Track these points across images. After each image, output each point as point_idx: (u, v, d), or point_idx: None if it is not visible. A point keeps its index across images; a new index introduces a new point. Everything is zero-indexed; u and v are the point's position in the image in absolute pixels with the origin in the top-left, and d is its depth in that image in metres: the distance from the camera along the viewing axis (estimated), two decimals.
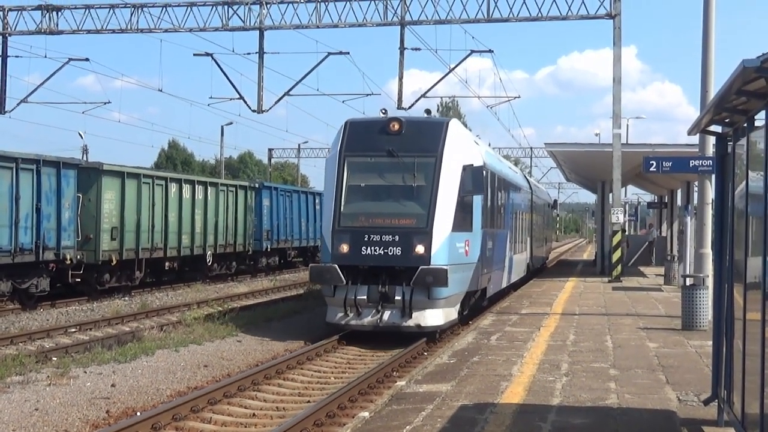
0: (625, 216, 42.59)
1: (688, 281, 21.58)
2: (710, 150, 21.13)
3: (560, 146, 42.41)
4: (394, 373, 17.38)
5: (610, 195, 40.04)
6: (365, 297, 20.78)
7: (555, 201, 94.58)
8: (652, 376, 14.71)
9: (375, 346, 21.04)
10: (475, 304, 24.95)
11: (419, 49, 43.48)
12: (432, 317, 20.85)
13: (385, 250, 20.78)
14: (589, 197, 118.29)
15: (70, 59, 45.13)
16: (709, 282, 20.08)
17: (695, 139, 23.16)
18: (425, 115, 24.09)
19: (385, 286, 20.72)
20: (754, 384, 8.03)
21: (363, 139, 22.21)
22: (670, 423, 11.45)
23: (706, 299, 20.15)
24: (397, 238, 20.84)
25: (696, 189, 27.24)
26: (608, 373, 14.97)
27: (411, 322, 20.67)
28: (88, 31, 41.57)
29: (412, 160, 21.57)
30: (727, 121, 10.39)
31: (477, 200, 22.68)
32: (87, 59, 45.45)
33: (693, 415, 11.75)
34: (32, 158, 27.53)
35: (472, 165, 22.05)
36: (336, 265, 20.76)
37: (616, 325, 21.65)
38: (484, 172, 23.17)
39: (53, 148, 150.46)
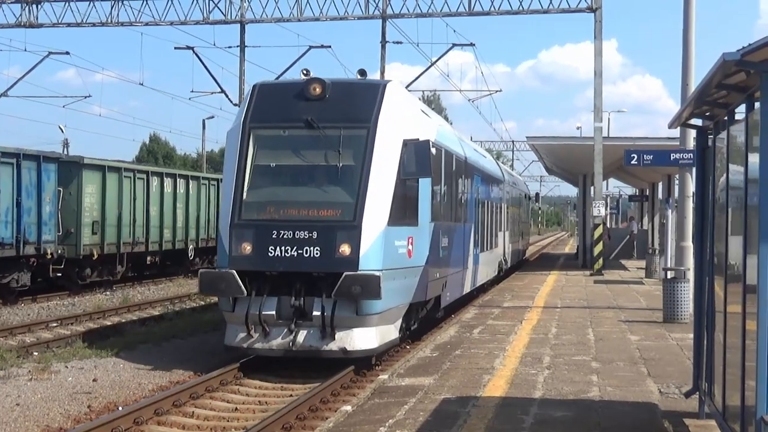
0: (606, 209, 42.70)
1: (669, 274, 21.69)
2: (691, 143, 21.23)
3: (542, 140, 42.48)
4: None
5: (592, 188, 40.17)
6: (274, 312, 16.03)
7: (537, 194, 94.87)
8: (633, 369, 14.77)
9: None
10: (427, 316, 20.38)
11: (401, 43, 43.86)
12: (362, 339, 16.03)
13: (300, 251, 15.98)
14: (570, 190, 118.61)
15: (50, 53, 45.01)
16: (690, 275, 20.17)
17: (676, 132, 23.29)
18: (358, 77, 18.59)
19: (300, 298, 16.03)
20: (735, 376, 8.08)
21: (275, 106, 17.38)
22: (651, 415, 11.51)
23: (687, 292, 20.25)
24: (315, 234, 16.02)
25: (677, 182, 27.35)
26: (590, 366, 15.02)
27: (334, 345, 15.89)
28: (68, 25, 41.40)
29: (337, 133, 16.71)
30: (707, 114, 10.43)
31: (424, 186, 17.82)
32: (67, 53, 45.46)
33: (674, 408, 11.80)
34: (12, 152, 27.39)
35: (417, 140, 17.10)
36: (234, 271, 15.98)
37: (597, 318, 21.72)
38: (435, 150, 18.58)
39: (34, 141, 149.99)
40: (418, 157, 16.92)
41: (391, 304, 16.47)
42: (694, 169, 19.20)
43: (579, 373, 14.33)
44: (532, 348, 16.86)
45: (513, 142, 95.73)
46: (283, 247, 16.04)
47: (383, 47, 42.83)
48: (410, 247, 17.21)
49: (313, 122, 16.76)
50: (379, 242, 16.10)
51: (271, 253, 16.10)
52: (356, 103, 17.13)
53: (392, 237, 16.47)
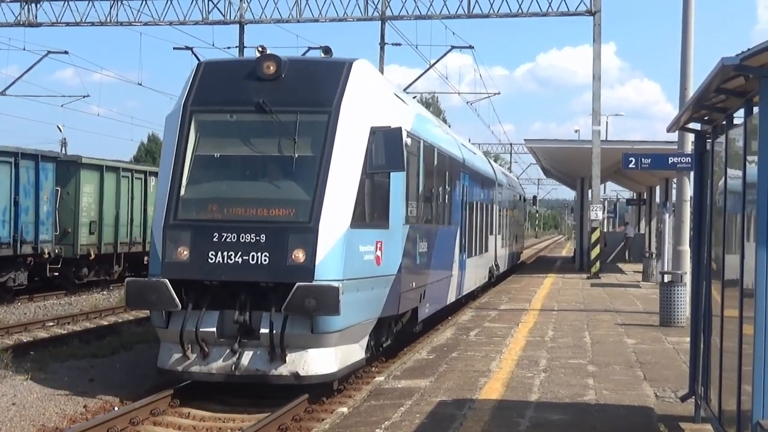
0: (604, 213, 42.70)
1: (666, 278, 21.70)
2: (689, 147, 21.24)
3: (540, 142, 42.49)
4: None
5: (589, 191, 40.16)
6: (214, 329, 13.68)
7: (534, 197, 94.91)
8: (629, 373, 14.77)
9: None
10: (403, 330, 17.98)
11: (399, 45, 43.86)
12: (318, 361, 13.61)
13: (246, 257, 13.61)
14: (568, 194, 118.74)
15: (49, 52, 44.95)
16: (687, 279, 20.18)
17: (674, 136, 23.30)
18: (322, 55, 16.45)
19: (245, 313, 13.68)
20: (732, 381, 8.07)
21: (221, 87, 15.07)
22: (647, 419, 11.50)
23: (684, 296, 20.27)
24: (263, 238, 13.61)
25: (674, 186, 27.37)
26: (586, 369, 15.01)
27: (284, 369, 13.50)
28: (67, 24, 41.32)
29: (293, 118, 14.34)
30: (706, 118, 10.43)
31: (396, 182, 15.50)
32: (66, 52, 45.28)
33: (670, 411, 11.80)
34: (11, 151, 27.39)
35: (389, 128, 14.73)
36: (166, 281, 13.53)
37: (594, 322, 21.71)
38: (411, 140, 16.42)
39: (32, 141, 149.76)
40: (388, 148, 14.56)
41: (355, 319, 14.11)
42: (691, 173, 19.22)
43: (575, 376, 14.31)
44: (529, 351, 16.85)
45: (511, 144, 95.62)
46: (226, 253, 13.64)
47: (382, 49, 42.80)
48: (378, 252, 14.86)
49: (265, 106, 14.37)
50: (339, 247, 13.66)
51: (212, 259, 13.68)
52: (316, 84, 14.78)
53: (356, 241, 14.08)
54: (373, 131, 14.53)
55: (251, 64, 14.93)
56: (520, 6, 38.24)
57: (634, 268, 42.64)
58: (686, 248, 22.33)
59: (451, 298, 23.18)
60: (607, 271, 40.26)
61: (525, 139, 45.81)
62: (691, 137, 19.08)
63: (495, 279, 34.40)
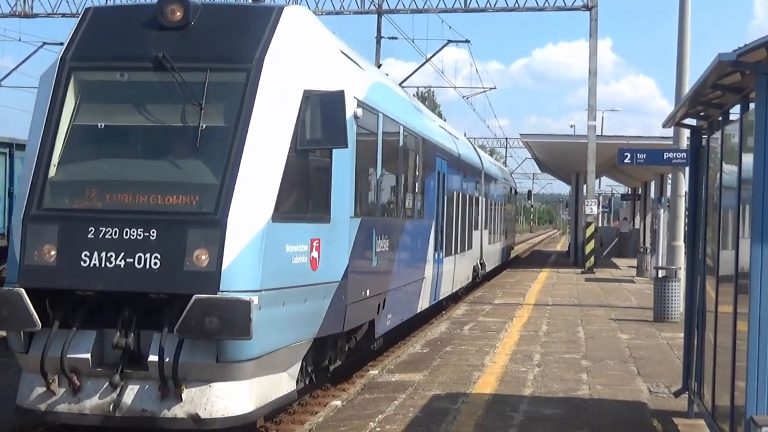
0: (598, 208, 42.73)
1: (661, 273, 21.71)
2: (684, 143, 21.23)
3: (535, 137, 42.58)
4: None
5: (585, 186, 40.21)
6: (88, 356, 10.27)
7: (529, 192, 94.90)
8: (623, 368, 14.78)
9: None
10: (357, 347, 14.76)
11: (396, 38, 43.67)
12: (226, 400, 10.25)
13: (131, 260, 10.17)
14: (563, 188, 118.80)
15: (45, 43, 44.89)
16: (681, 274, 20.20)
17: (669, 132, 23.32)
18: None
19: (130, 335, 10.29)
20: (725, 377, 8.08)
21: (111, 38, 11.56)
22: (641, 414, 11.51)
23: (678, 291, 20.31)
24: (154, 234, 10.17)
25: (669, 181, 27.37)
26: (580, 364, 15.02)
27: (180, 410, 10.12)
28: (63, 15, 41.23)
29: (201, 78, 10.89)
30: (702, 114, 10.44)
31: (342, 162, 12.16)
32: (62, 43, 45.02)
33: (664, 407, 11.81)
34: (6, 141, 27.32)
35: (329, 92, 11.34)
36: (22, 290, 10.12)
37: (588, 317, 21.74)
38: (364, 111, 13.14)
39: (27, 132, 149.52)
40: (326, 117, 11.17)
41: (279, 342, 10.74)
42: (687, 169, 19.23)
43: (569, 371, 14.32)
44: (523, 345, 16.86)
45: (506, 139, 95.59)
46: (105, 253, 10.18)
47: (378, 42, 42.84)
48: (315, 253, 11.37)
49: (165, 61, 10.85)
50: (255, 246, 10.25)
51: (86, 261, 10.18)
52: (234, 35, 11.37)
53: (281, 238, 10.72)
54: (308, 96, 11.16)
55: (150, 8, 11.38)
56: (516, 0, 38.23)
57: (629, 263, 42.71)
58: (681, 244, 22.33)
59: (424, 304, 19.89)
60: (602, 266, 40.31)
61: (521, 134, 45.86)
62: (686, 133, 19.08)
63: (481, 279, 31.80)
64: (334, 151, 11.73)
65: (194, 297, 9.79)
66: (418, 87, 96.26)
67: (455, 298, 26.19)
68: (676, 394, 11.69)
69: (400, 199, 16.80)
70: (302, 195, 11.40)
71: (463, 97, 54.29)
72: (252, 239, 10.28)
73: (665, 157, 20.99)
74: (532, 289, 29.20)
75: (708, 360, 9.39)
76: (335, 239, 12.16)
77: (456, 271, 24.98)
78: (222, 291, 9.95)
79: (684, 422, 10.93)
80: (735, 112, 8.56)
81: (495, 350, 16.23)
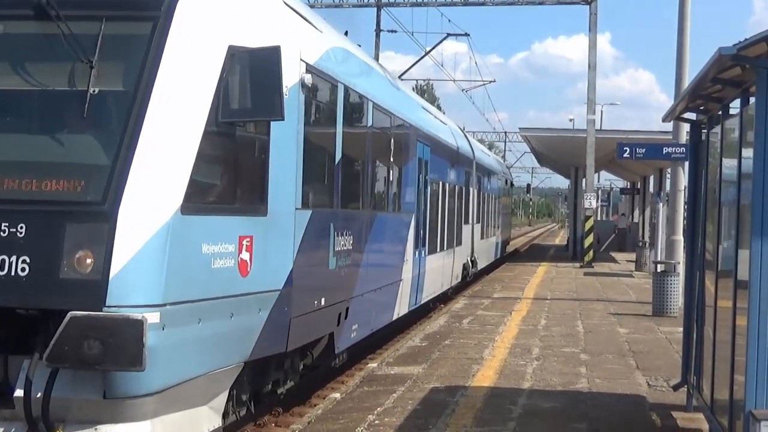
0: (597, 202, 42.67)
1: (659, 268, 21.74)
2: (684, 137, 21.26)
3: (535, 131, 42.54)
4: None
5: (583, 180, 40.22)
6: None
7: (528, 185, 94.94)
8: (622, 362, 14.81)
9: None
10: (314, 364, 12.50)
11: (395, 32, 43.75)
12: None
13: None
14: (562, 182, 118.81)
15: None
16: (680, 269, 20.23)
17: (669, 126, 23.33)
18: None
19: None
20: (724, 371, 8.10)
21: None
22: (639, 408, 11.53)
23: (677, 286, 20.32)
24: (22, 230, 7.79)
25: (669, 176, 27.40)
26: (579, 357, 15.04)
27: None
28: None
29: (93, 30, 8.37)
30: (701, 108, 10.44)
31: (282, 139, 9.84)
32: None
33: (662, 400, 11.83)
34: None
35: (261, 49, 8.96)
36: None
37: (587, 311, 21.76)
38: (315, 78, 10.81)
39: None
40: (258, 81, 8.68)
41: (193, 370, 8.36)
42: (686, 163, 19.26)
43: (568, 364, 14.35)
44: (522, 339, 16.88)
45: (506, 133, 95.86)
46: None
47: (377, 35, 42.86)
48: (245, 255, 8.94)
49: (49, 7, 8.26)
50: (156, 246, 7.79)
51: None
52: None
53: (195, 236, 8.21)
54: (233, 53, 8.74)
55: None
56: None
57: (627, 258, 42.73)
58: (680, 238, 22.38)
59: (402, 309, 17.49)
60: (601, 260, 40.34)
61: (520, 128, 45.84)
62: (686, 127, 19.07)
63: (472, 277, 29.43)
64: (272, 125, 9.36)
65: (69, 314, 7.39)
66: (417, 80, 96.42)
67: (443, 298, 24.86)
68: (675, 388, 11.71)
69: (369, 188, 14.23)
70: (227, 180, 8.96)
71: (463, 90, 54.39)
72: (152, 237, 7.74)
73: (664, 151, 21.04)
74: (530, 283, 29.23)
75: (707, 354, 9.40)
76: (275, 237, 9.65)
77: (443, 271, 22.91)
78: (109, 306, 7.49)
79: (683, 416, 10.94)
80: (735, 107, 8.57)
81: (494, 344, 16.25)
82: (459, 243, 25.78)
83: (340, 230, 12.28)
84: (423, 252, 19.49)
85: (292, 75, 9.88)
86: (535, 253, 52.52)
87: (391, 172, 16.08)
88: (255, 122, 9.23)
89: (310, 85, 10.57)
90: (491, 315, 20.51)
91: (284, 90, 9.23)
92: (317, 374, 13.69)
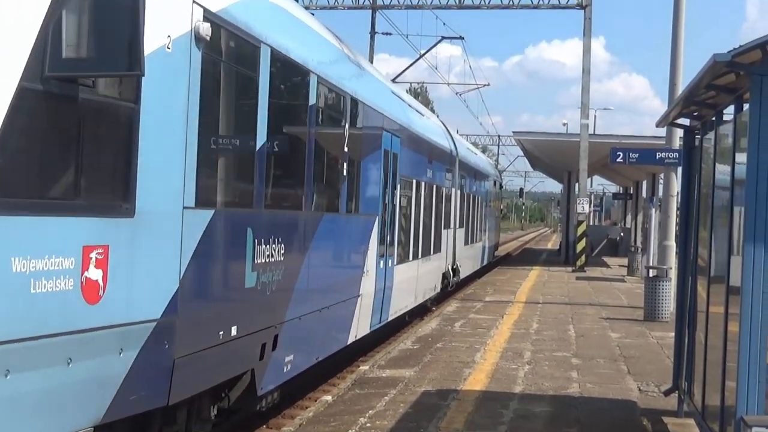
0: (590, 206, 42.66)
1: (652, 273, 21.76)
2: (677, 143, 21.27)
3: (528, 135, 42.59)
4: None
5: (576, 185, 40.24)
6: None
7: (521, 189, 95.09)
8: (613, 366, 14.81)
9: None
10: (232, 408, 9.97)
11: (390, 34, 43.79)
12: None
13: None
14: (554, 186, 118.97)
15: None
16: (672, 274, 20.25)
17: (662, 131, 23.33)
18: None
19: None
20: (716, 376, 8.10)
21: None
22: (630, 413, 11.54)
23: (669, 291, 20.36)
24: None
25: (661, 181, 27.43)
26: (570, 362, 15.05)
27: None
28: None
29: None
30: (695, 114, 10.46)
31: (162, 107, 7.34)
32: None
33: (653, 406, 11.84)
34: None
35: None
36: None
37: (579, 315, 21.78)
38: (209, 27, 7.96)
39: None
40: (106, 17, 6.15)
41: None
42: (679, 169, 19.28)
43: (559, 369, 14.35)
44: (513, 343, 16.88)
45: (499, 136, 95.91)
46: None
47: (372, 38, 42.81)
48: (95, 273, 6.50)
49: None
50: None
51: None
52: None
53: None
54: None
55: None
56: None
57: (620, 262, 42.79)
58: (672, 243, 22.36)
59: (360, 330, 14.88)
60: (593, 265, 40.38)
61: (513, 132, 45.86)
62: (679, 133, 19.12)
63: (454, 287, 26.87)
64: (144, 90, 6.92)
65: None
66: (411, 83, 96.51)
67: (421, 311, 22.60)
68: (666, 393, 11.72)
69: (310, 184, 11.37)
70: (63, 164, 6.32)
71: (457, 93, 54.37)
72: None
73: (658, 156, 21.08)
74: (522, 287, 29.24)
75: (698, 360, 9.42)
76: (148, 246, 7.19)
77: (416, 282, 20.24)
78: None
79: (673, 421, 10.96)
80: (729, 113, 8.58)
81: (485, 347, 16.25)
82: (437, 250, 23.11)
83: (265, 237, 9.58)
84: (390, 261, 16.78)
85: (178, 21, 7.47)
86: (527, 257, 52.54)
87: (344, 165, 13.18)
88: (115, 83, 6.69)
89: (209, 39, 7.91)
90: (483, 318, 20.51)
91: (167, 41, 7.18)
92: (308, 377, 13.31)
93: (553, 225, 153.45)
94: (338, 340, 13.72)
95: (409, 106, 20.46)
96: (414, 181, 19.54)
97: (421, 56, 42.88)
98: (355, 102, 13.71)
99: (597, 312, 22.56)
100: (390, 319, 17.47)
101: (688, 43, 22.10)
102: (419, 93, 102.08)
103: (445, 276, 25.11)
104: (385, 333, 18.52)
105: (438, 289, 24.15)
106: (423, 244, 20.87)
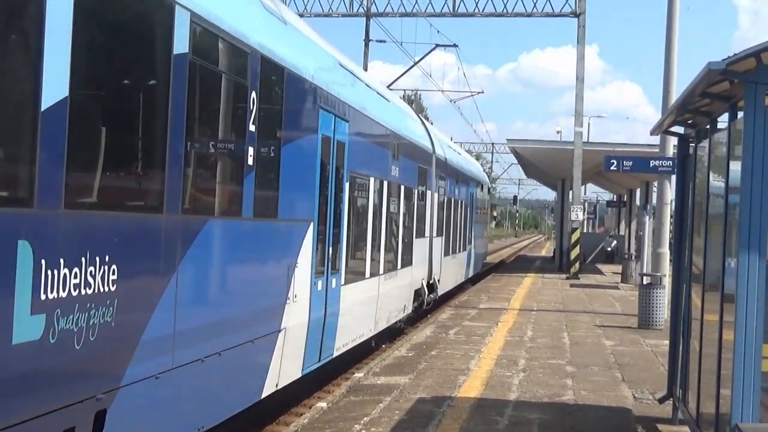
0: (584, 214, 42.71)
1: (645, 280, 21.77)
2: (671, 151, 21.32)
3: (522, 143, 42.65)
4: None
5: (570, 192, 40.27)
6: None
7: (515, 197, 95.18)
8: (608, 374, 14.81)
9: None
10: None
11: (384, 42, 43.74)
12: None
13: None
14: (548, 194, 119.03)
15: None
16: (666, 281, 20.28)
17: (656, 139, 23.37)
18: None
19: None
20: (710, 384, 8.12)
21: None
22: (625, 420, 11.53)
23: (663, 298, 20.38)
24: None
25: (655, 189, 27.47)
26: (565, 369, 15.04)
27: None
28: None
29: None
30: (689, 122, 10.48)
31: None
32: None
33: (648, 413, 11.84)
34: None
35: None
36: None
37: (573, 322, 21.77)
38: None
39: None
40: None
41: None
42: (673, 177, 19.31)
43: (554, 376, 14.34)
44: (508, 350, 16.88)
45: (493, 144, 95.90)
46: None
47: (366, 45, 42.87)
48: None
49: None
50: None
51: None
52: None
53: None
54: None
55: None
56: (505, 5, 38.31)
57: (613, 270, 42.82)
58: (665, 251, 22.42)
59: (286, 375, 11.34)
60: (587, 272, 40.40)
61: (507, 139, 45.97)
62: (673, 141, 19.17)
63: (431, 303, 23.74)
64: None
65: None
66: (405, 90, 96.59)
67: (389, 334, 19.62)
68: (661, 401, 11.73)
69: (175, 171, 7.80)
70: None
71: (451, 100, 54.43)
72: None
73: (651, 164, 21.11)
74: (516, 294, 29.23)
75: (693, 367, 9.43)
76: None
77: (379, 302, 16.81)
78: None
79: (668, 428, 10.97)
80: (723, 121, 8.61)
81: (480, 354, 16.24)
82: (407, 263, 19.56)
83: (66, 255, 6.08)
84: (335, 280, 13.24)
85: None
86: (521, 264, 52.53)
87: (249, 149, 9.48)
88: None
89: None
90: (478, 326, 20.50)
91: None
92: (302, 383, 13.38)
93: (547, 232, 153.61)
94: (243, 394, 10.02)
95: (368, 86, 16.50)
96: (372, 180, 15.81)
97: (415, 63, 42.92)
98: (268, 63, 9.90)
99: (591, 319, 22.56)
100: (337, 354, 13.91)
101: (682, 50, 22.12)
102: (413, 100, 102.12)
103: (418, 293, 21.47)
104: (379, 340, 18.48)
105: (409, 310, 20.49)
106: (386, 257, 17.14)
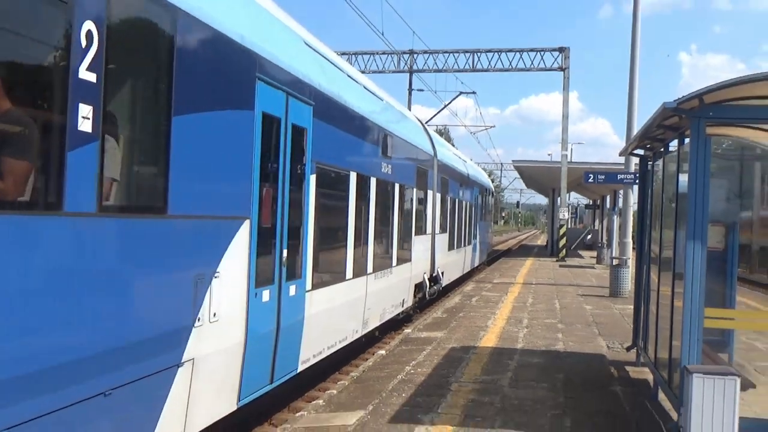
0: (569, 214, 42.26)
1: (615, 262, 21.56)
2: (633, 167, 21.06)
3: (523, 163, 42.37)
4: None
5: (558, 198, 39.91)
6: None
7: (518, 202, 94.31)
8: (588, 330, 14.69)
9: None
10: None
11: (422, 90, 43.69)
12: None
13: None
14: (542, 200, 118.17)
15: None
16: (630, 263, 20.06)
17: (622, 159, 23.10)
18: None
19: None
20: (664, 337, 8.06)
21: None
22: (601, 363, 11.44)
23: (628, 275, 20.20)
24: None
25: (621, 196, 27.13)
26: (557, 326, 14.95)
27: None
28: None
29: None
30: (648, 147, 10.38)
31: None
32: None
33: (618, 358, 11.74)
34: None
35: None
36: None
37: (561, 293, 21.60)
38: None
39: None
40: None
41: None
42: (635, 187, 19.11)
43: (548, 331, 14.26)
44: (515, 313, 16.80)
45: (501, 164, 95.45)
46: None
47: (410, 93, 42.81)
48: None
49: None
50: None
51: None
52: None
53: None
54: None
55: None
56: (510, 63, 38.08)
57: (591, 254, 42.41)
58: (629, 240, 22.13)
59: (198, 418, 6.25)
60: (571, 257, 40.02)
61: (512, 160, 45.59)
62: (635, 160, 18.95)
63: (435, 294, 18.86)
64: None
65: None
66: (437, 126, 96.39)
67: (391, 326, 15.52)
68: (628, 349, 11.63)
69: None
70: None
71: (471, 132, 54.17)
72: None
73: (619, 177, 20.88)
74: (521, 273, 29.05)
75: (651, 325, 9.35)
76: None
77: (368, 301, 12.04)
78: None
79: (633, 369, 10.87)
80: (674, 146, 8.53)
81: (495, 316, 16.18)
82: (405, 260, 14.83)
83: None
84: (294, 287, 8.22)
85: None
86: (523, 251, 52.18)
87: (85, 108, 4.62)
88: None
89: None
90: (492, 295, 20.41)
91: None
92: (369, 336, 13.34)
93: (541, 228, 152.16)
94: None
95: (351, 77, 11.27)
96: (354, 175, 10.67)
97: (445, 106, 42.81)
98: (186, 17, 5.71)
99: (575, 290, 22.36)
100: (305, 367, 8.95)
101: (639, 96, 21.85)
102: (442, 133, 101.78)
103: (419, 286, 16.86)
104: (425, 304, 18.32)
105: (408, 304, 15.81)
106: (376, 255, 12.33)
